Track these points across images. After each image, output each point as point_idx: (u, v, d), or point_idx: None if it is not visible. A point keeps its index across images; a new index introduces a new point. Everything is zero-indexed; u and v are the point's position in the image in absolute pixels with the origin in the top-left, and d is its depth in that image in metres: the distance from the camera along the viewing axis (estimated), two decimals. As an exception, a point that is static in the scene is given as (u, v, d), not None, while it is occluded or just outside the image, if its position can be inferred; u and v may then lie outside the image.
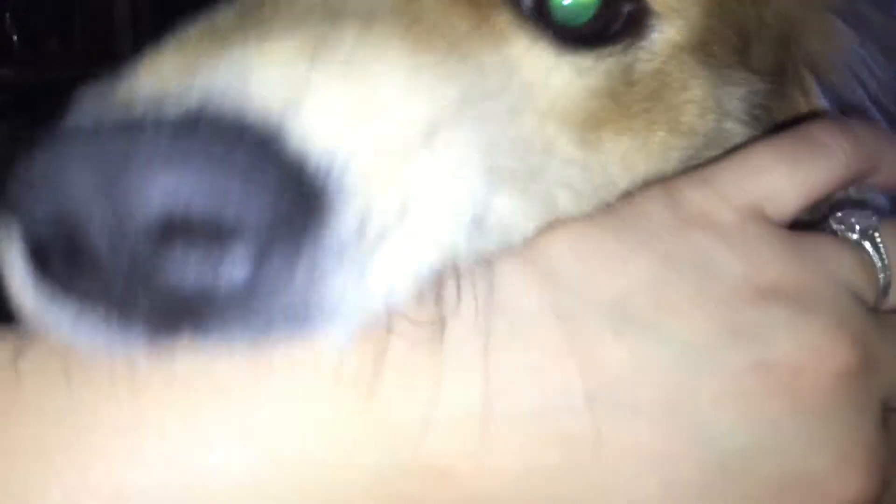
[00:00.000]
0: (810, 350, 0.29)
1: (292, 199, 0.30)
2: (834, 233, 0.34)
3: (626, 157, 0.44)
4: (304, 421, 0.33)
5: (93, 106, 0.33)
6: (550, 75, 0.44)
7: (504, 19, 0.45)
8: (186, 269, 0.29)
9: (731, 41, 0.51)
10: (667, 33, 0.48)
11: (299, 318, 0.31)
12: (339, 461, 0.32)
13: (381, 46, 0.35)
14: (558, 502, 0.31)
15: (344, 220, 0.31)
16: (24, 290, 0.33)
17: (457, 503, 0.31)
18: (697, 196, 0.35)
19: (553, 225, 0.36)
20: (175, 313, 0.31)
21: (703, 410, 0.29)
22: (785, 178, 0.34)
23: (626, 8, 0.47)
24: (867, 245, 0.32)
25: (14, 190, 0.31)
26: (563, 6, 0.46)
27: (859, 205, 0.35)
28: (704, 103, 0.48)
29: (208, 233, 0.29)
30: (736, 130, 0.49)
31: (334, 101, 0.32)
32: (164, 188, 0.28)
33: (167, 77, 0.32)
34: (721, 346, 0.29)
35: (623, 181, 0.43)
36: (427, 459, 0.31)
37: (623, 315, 0.30)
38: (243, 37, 0.34)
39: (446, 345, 0.31)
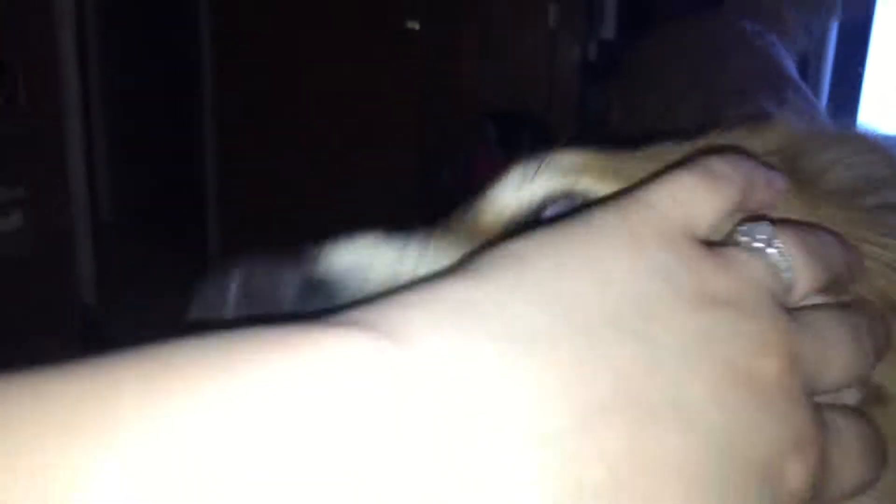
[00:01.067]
0: (753, 353, 0.34)
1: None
2: (741, 244, 0.38)
3: None
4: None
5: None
6: None
7: None
8: None
9: None
10: None
11: None
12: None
13: None
14: None
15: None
16: None
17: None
18: (646, 216, 0.37)
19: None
20: None
21: (698, 405, 0.32)
22: (707, 202, 0.38)
23: None
24: (771, 251, 0.37)
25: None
26: None
27: (757, 218, 0.39)
28: None
29: None
30: None
31: None
32: None
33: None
34: (695, 348, 0.33)
35: None
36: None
37: (618, 327, 0.33)
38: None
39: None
